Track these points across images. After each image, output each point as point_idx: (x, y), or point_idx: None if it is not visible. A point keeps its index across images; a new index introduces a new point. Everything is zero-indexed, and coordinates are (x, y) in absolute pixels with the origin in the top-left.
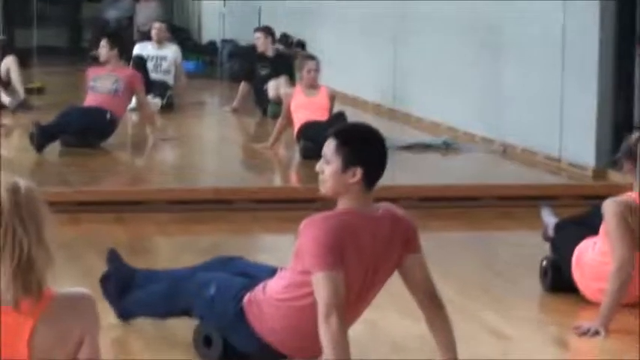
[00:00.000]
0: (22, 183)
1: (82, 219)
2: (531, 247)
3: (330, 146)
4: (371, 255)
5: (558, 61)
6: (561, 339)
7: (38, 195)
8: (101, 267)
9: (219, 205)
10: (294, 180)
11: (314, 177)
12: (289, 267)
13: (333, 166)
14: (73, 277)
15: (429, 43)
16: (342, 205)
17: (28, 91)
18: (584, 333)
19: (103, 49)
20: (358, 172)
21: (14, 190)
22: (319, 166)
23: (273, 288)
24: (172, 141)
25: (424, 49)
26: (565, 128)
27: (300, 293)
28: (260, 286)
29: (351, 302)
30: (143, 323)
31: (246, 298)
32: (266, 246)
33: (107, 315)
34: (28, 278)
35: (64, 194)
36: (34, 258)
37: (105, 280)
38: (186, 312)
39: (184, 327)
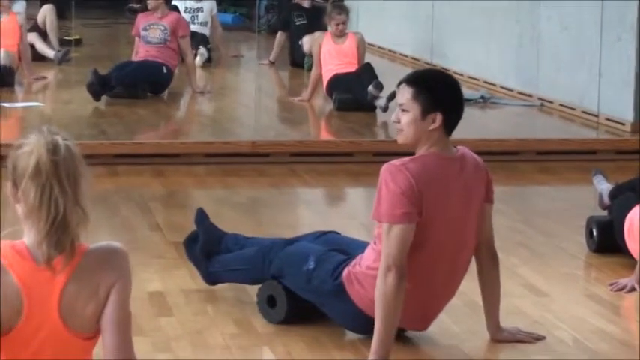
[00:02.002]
0: (62, 141)
1: (119, 172)
2: (569, 201)
3: (405, 94)
4: (455, 197)
5: (597, 14)
6: (599, 295)
7: (77, 153)
8: (138, 220)
9: (257, 159)
10: (330, 133)
11: (350, 129)
12: (376, 232)
13: (411, 114)
14: (111, 230)
15: None
16: (424, 151)
17: (66, 43)
18: (620, 289)
19: None
20: (438, 118)
21: (54, 149)
22: (395, 115)
23: (367, 257)
24: (209, 94)
25: (462, 3)
26: (603, 83)
27: None
28: (357, 259)
29: (446, 258)
30: (182, 277)
31: (344, 273)
32: (303, 199)
33: (145, 268)
34: (62, 237)
35: (102, 146)
36: (69, 217)
37: (190, 242)
38: (274, 280)
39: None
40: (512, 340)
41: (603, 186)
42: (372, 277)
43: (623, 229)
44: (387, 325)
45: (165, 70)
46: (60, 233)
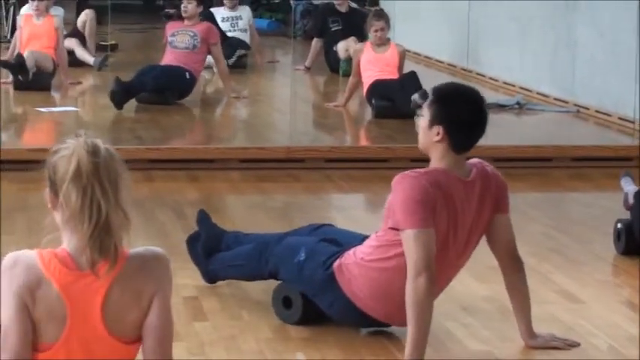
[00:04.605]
0: (102, 144)
1: (154, 177)
2: (604, 208)
3: (427, 100)
4: (462, 217)
5: (633, 20)
6: (633, 302)
7: (117, 155)
8: (174, 225)
9: (291, 164)
10: (366, 139)
11: (386, 136)
12: (380, 227)
13: (423, 121)
14: (146, 236)
15: (503, 3)
16: (433, 164)
17: (102, 48)
18: None
19: (190, 5)
20: (441, 131)
21: (94, 151)
22: (417, 119)
23: (363, 250)
24: (245, 99)
25: (498, 9)
26: None
27: (390, 254)
28: (350, 251)
29: (443, 266)
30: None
31: (336, 264)
32: (337, 205)
33: (181, 273)
34: (105, 241)
35: (138, 152)
36: (111, 220)
37: (192, 241)
38: (272, 275)
39: (257, 287)
40: (546, 346)
41: (630, 187)
42: (365, 269)
43: None
44: (420, 330)
45: (188, 76)
46: (103, 236)
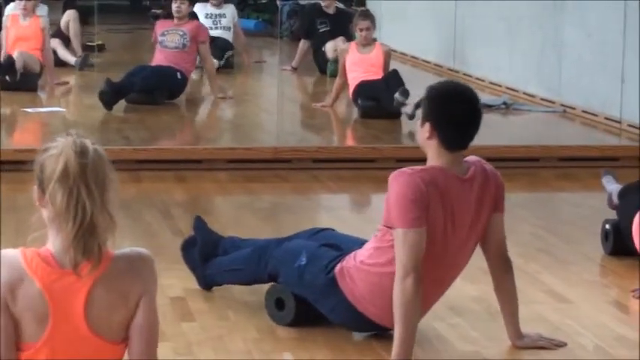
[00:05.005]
0: (91, 145)
1: (142, 177)
2: (591, 208)
3: (409, 98)
4: (460, 215)
5: (620, 20)
6: (620, 302)
7: (105, 157)
8: (160, 225)
9: (279, 164)
10: (352, 139)
11: (372, 136)
12: (379, 227)
13: (419, 120)
14: (133, 236)
15: (490, 3)
16: (430, 162)
17: (89, 48)
18: None
19: (184, 5)
20: (430, 128)
21: (82, 152)
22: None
23: (363, 252)
24: (231, 100)
25: (485, 9)
26: (626, 89)
27: (388, 256)
28: (351, 255)
29: (443, 265)
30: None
31: (337, 268)
32: (325, 205)
33: (167, 274)
34: (89, 243)
35: (125, 152)
36: (96, 222)
37: (188, 247)
38: (272, 278)
39: (244, 288)
40: (534, 346)
41: (613, 186)
42: (365, 272)
43: (630, 228)
44: (407, 330)
45: (179, 76)
46: (87, 238)
